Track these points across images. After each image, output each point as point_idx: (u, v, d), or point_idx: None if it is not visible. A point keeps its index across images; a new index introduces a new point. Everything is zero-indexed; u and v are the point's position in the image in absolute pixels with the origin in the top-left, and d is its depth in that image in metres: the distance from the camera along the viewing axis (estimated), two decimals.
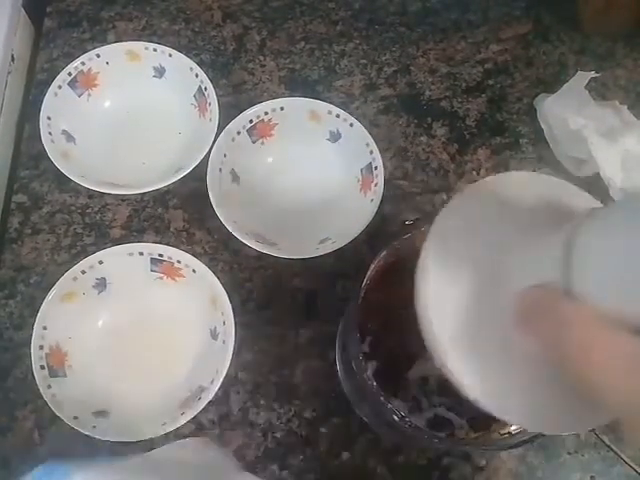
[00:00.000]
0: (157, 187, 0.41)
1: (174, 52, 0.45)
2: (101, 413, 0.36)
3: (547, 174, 0.26)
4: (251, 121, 0.43)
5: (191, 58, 0.45)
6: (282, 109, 0.44)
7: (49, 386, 0.35)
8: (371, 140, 0.42)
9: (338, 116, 0.43)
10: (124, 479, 0.24)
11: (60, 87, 0.44)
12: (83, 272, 0.38)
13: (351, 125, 0.43)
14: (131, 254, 0.39)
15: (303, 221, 0.44)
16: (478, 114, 0.49)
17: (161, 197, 0.45)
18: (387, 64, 0.51)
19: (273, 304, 0.42)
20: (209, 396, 0.35)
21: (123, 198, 0.45)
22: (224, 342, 0.36)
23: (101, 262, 0.38)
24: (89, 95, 0.45)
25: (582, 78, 0.45)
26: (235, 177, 0.44)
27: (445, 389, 0.32)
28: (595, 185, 0.44)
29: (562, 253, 0.20)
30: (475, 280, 0.23)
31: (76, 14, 0.51)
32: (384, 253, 0.31)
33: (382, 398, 0.29)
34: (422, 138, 0.48)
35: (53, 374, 0.36)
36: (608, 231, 0.20)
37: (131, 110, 0.46)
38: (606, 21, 0.51)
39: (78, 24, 0.51)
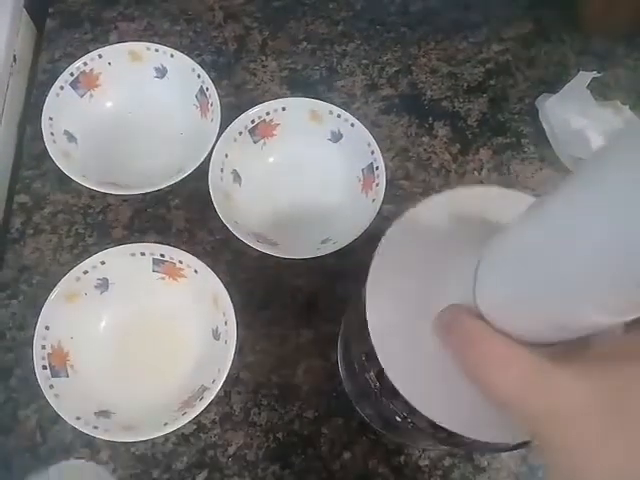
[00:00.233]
0: (159, 187, 0.41)
1: (176, 52, 0.45)
2: (103, 413, 0.36)
3: (499, 187, 0.28)
4: (253, 121, 0.43)
5: (193, 58, 0.45)
6: (284, 109, 0.44)
7: (51, 386, 0.35)
8: (372, 140, 0.42)
9: (339, 116, 0.43)
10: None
11: (62, 87, 0.44)
12: (85, 272, 0.38)
13: (352, 125, 0.43)
14: (133, 254, 0.39)
15: (304, 221, 0.44)
16: (480, 114, 0.49)
17: (163, 197, 0.45)
18: (388, 64, 0.51)
19: (274, 304, 0.42)
20: (211, 396, 0.35)
21: (125, 198, 0.45)
22: (226, 342, 0.37)
23: (103, 262, 0.38)
24: (91, 95, 0.45)
25: (584, 78, 0.45)
26: (237, 177, 0.44)
27: None
28: None
29: (475, 271, 0.21)
30: (416, 298, 0.25)
31: (78, 15, 0.52)
32: None
33: (384, 398, 0.29)
34: (424, 138, 0.48)
35: (55, 374, 0.36)
36: (495, 256, 0.21)
37: (133, 110, 0.47)
38: (608, 21, 0.51)
39: (80, 25, 0.51)
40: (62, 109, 0.44)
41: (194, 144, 0.44)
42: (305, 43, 0.51)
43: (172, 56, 0.45)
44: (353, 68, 0.51)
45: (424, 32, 0.52)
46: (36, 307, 0.37)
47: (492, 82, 0.51)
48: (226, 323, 0.37)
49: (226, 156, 0.43)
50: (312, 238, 0.42)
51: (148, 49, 0.45)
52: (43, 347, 0.36)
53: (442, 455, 0.38)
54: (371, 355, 0.26)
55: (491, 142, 0.48)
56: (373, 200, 0.41)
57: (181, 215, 0.45)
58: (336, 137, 0.44)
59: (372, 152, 0.42)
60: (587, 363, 0.19)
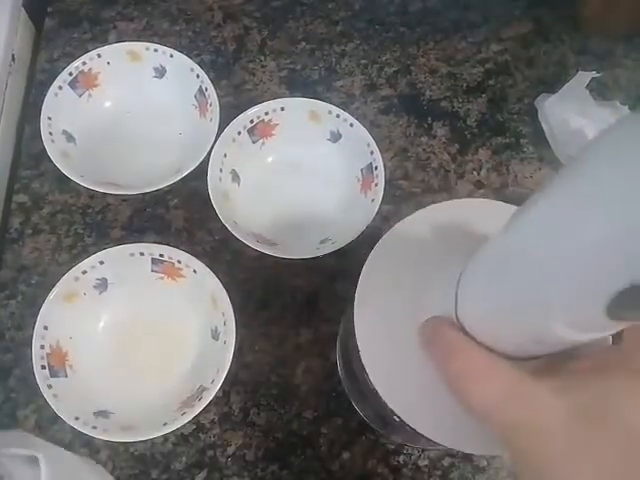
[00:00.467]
0: (158, 187, 0.41)
1: (175, 52, 0.45)
2: (102, 413, 0.36)
3: (487, 198, 0.29)
4: (252, 121, 0.43)
5: (192, 58, 0.45)
6: (282, 109, 0.44)
7: (50, 386, 0.35)
8: (371, 140, 0.42)
9: (338, 116, 0.43)
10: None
11: (61, 87, 0.44)
12: (84, 272, 0.38)
13: (351, 125, 0.43)
14: (132, 254, 0.39)
15: (303, 221, 0.44)
16: (479, 114, 0.49)
17: (162, 197, 0.45)
18: (387, 64, 0.51)
19: (274, 304, 0.42)
20: (210, 396, 0.35)
21: (124, 198, 0.45)
22: (225, 342, 0.36)
23: (102, 262, 0.38)
24: (90, 95, 0.45)
25: (583, 78, 0.45)
26: (235, 177, 0.44)
27: None
28: None
29: (457, 284, 0.22)
30: (402, 312, 0.25)
31: (77, 14, 0.52)
32: None
33: (382, 399, 0.29)
34: (423, 138, 0.48)
35: (54, 374, 0.36)
36: (474, 269, 0.21)
37: (132, 110, 0.47)
38: (607, 21, 0.51)
39: (79, 24, 0.51)
40: (61, 109, 0.44)
41: (193, 144, 0.44)
42: (304, 43, 0.51)
43: (171, 56, 0.45)
44: (352, 68, 0.51)
45: (423, 32, 0.52)
46: (35, 307, 0.37)
47: (491, 82, 0.51)
48: (225, 323, 0.37)
49: (225, 156, 0.43)
50: (311, 238, 0.42)
51: (147, 49, 0.45)
52: (42, 347, 0.36)
53: (441, 455, 0.38)
54: None
55: (490, 142, 0.48)
56: (372, 200, 0.41)
57: (180, 215, 0.45)
58: (335, 137, 0.44)
59: (371, 152, 0.42)
60: (567, 377, 0.19)
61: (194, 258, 0.38)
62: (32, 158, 0.46)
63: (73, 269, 0.38)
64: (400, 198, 0.46)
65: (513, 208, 0.19)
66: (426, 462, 0.38)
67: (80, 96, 0.45)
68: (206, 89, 0.44)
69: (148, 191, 0.41)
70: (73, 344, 0.38)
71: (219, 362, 0.36)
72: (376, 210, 0.40)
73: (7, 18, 0.48)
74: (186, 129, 0.46)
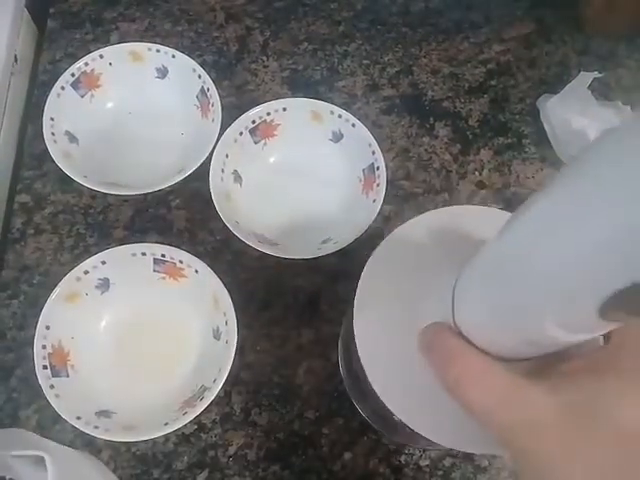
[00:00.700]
0: (160, 188, 0.41)
1: (177, 53, 0.45)
2: (103, 413, 0.36)
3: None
4: (253, 122, 0.43)
5: (194, 59, 0.45)
6: (284, 110, 0.44)
7: (52, 386, 0.35)
8: (373, 140, 0.42)
9: (340, 116, 0.43)
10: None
11: (63, 88, 0.44)
12: (86, 272, 0.38)
13: (353, 125, 0.43)
14: (134, 254, 0.39)
15: (305, 221, 0.44)
16: (481, 114, 0.49)
17: (164, 197, 0.45)
18: (389, 64, 0.51)
19: (275, 304, 0.42)
20: (211, 396, 0.35)
21: (126, 198, 0.45)
22: (227, 342, 0.37)
23: (104, 262, 0.38)
24: (92, 96, 0.46)
25: (585, 78, 0.45)
26: (237, 177, 0.44)
27: None
28: None
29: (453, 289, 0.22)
30: (401, 318, 0.26)
31: (79, 15, 0.52)
32: None
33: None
34: (424, 138, 0.48)
35: (55, 374, 0.36)
36: (470, 274, 0.22)
37: (134, 111, 0.47)
38: (608, 22, 0.51)
39: (81, 25, 0.51)
40: (63, 109, 0.44)
41: (195, 144, 0.44)
42: (306, 43, 0.51)
43: (173, 56, 0.45)
44: (354, 68, 0.51)
45: (425, 32, 0.52)
46: (37, 307, 0.37)
47: (493, 82, 0.51)
48: (227, 323, 0.37)
49: (227, 156, 0.43)
50: (313, 238, 0.42)
51: (149, 49, 0.45)
52: (44, 347, 0.36)
53: (443, 455, 0.38)
54: None
55: (492, 142, 0.48)
56: (374, 200, 0.41)
57: (182, 215, 0.45)
58: (337, 137, 0.44)
59: (373, 152, 0.42)
60: (560, 378, 0.20)
61: (196, 258, 0.39)
62: (34, 158, 0.46)
63: (75, 269, 0.38)
64: (402, 198, 0.46)
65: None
66: (427, 462, 0.38)
67: (82, 97, 0.45)
68: (208, 89, 0.44)
69: (150, 191, 0.41)
70: (75, 344, 0.38)
71: (221, 362, 0.36)
72: (378, 210, 0.40)
73: (10, 19, 0.48)
74: (188, 129, 0.46)
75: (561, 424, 0.18)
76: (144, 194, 0.43)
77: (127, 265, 0.39)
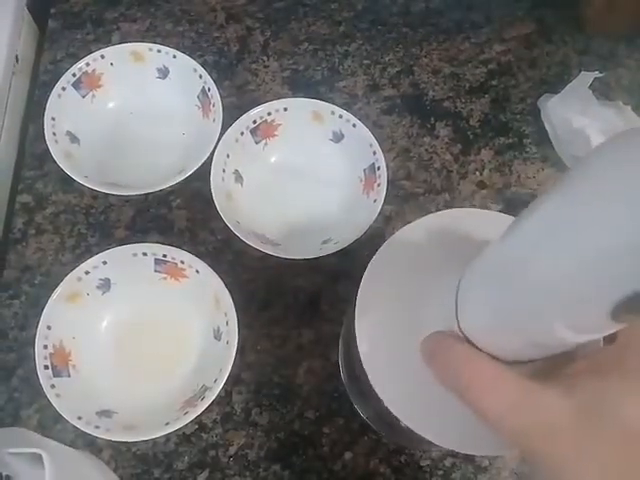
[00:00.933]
0: (161, 188, 0.41)
1: (178, 53, 0.45)
2: (104, 413, 0.36)
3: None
4: (254, 122, 0.44)
5: (195, 59, 0.45)
6: (285, 110, 0.44)
7: (53, 386, 0.35)
8: (374, 141, 0.42)
9: (341, 117, 0.43)
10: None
11: (64, 88, 0.44)
12: (87, 272, 0.38)
13: (354, 126, 0.43)
14: (135, 255, 0.39)
15: (306, 221, 0.44)
16: (481, 114, 0.49)
17: (165, 198, 0.45)
18: (390, 65, 0.51)
19: (276, 304, 0.42)
20: (212, 396, 0.35)
21: (127, 199, 0.45)
22: (227, 342, 0.37)
23: (105, 262, 0.38)
24: (93, 96, 0.46)
25: (585, 78, 0.45)
26: (238, 177, 0.44)
27: None
28: None
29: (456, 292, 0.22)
30: (402, 322, 0.26)
31: (80, 15, 0.52)
32: None
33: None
34: (425, 138, 0.48)
35: (57, 374, 0.36)
36: (473, 276, 0.22)
37: (135, 111, 0.47)
38: (609, 22, 0.51)
39: (82, 25, 0.51)
40: (64, 109, 0.44)
41: (196, 144, 0.44)
42: (307, 44, 0.51)
43: (174, 57, 0.45)
44: (355, 68, 0.51)
45: (426, 32, 0.52)
46: (38, 307, 0.37)
47: (494, 82, 0.51)
48: (227, 323, 0.37)
49: (228, 156, 0.43)
50: (313, 238, 0.42)
51: (150, 50, 0.45)
52: (45, 347, 0.36)
53: (443, 455, 0.38)
54: None
55: (493, 142, 0.48)
56: (374, 200, 0.41)
57: (183, 215, 0.45)
58: (338, 137, 0.44)
59: (374, 152, 0.42)
60: (568, 380, 0.20)
61: (197, 258, 0.39)
62: (36, 158, 0.46)
63: (76, 269, 0.38)
64: (402, 198, 0.46)
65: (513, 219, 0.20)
66: (428, 462, 0.38)
67: (84, 97, 0.45)
68: (209, 89, 0.44)
69: (151, 191, 0.41)
70: (76, 344, 0.38)
71: (221, 362, 0.36)
72: (378, 210, 0.40)
73: (11, 19, 0.48)
74: (189, 130, 0.46)
75: (574, 426, 0.19)
76: (145, 194, 0.43)
77: (128, 265, 0.39)
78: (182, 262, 0.39)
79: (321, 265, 0.41)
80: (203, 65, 0.45)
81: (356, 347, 0.27)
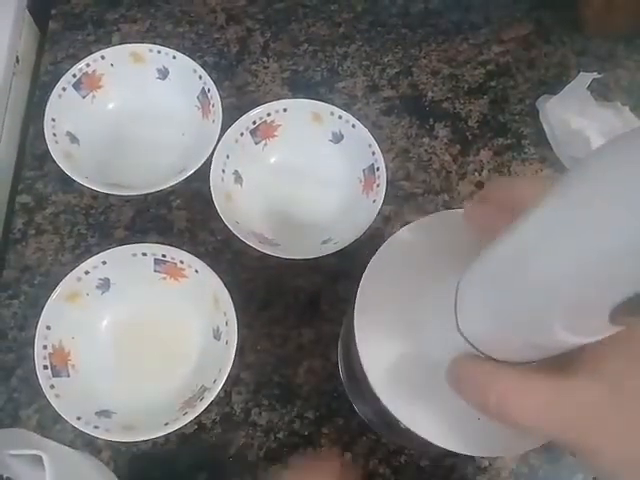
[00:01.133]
0: (161, 188, 0.41)
1: (178, 54, 0.45)
2: (104, 413, 0.36)
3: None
4: (254, 122, 0.44)
5: (195, 60, 0.45)
6: (285, 110, 0.44)
7: (52, 386, 0.35)
8: (373, 141, 0.43)
9: (340, 117, 0.44)
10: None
11: (64, 89, 0.44)
12: (87, 272, 0.38)
13: (353, 126, 0.43)
14: (135, 255, 0.39)
15: (305, 222, 0.44)
16: (480, 115, 0.49)
17: (164, 198, 0.45)
18: (389, 66, 0.51)
19: (275, 304, 0.42)
20: (211, 396, 0.35)
21: (127, 199, 0.45)
22: (227, 342, 0.37)
23: (105, 262, 0.39)
24: (93, 97, 0.46)
25: (584, 79, 0.45)
26: (238, 178, 0.44)
27: None
28: None
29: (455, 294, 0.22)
30: (401, 324, 0.26)
31: (81, 16, 0.52)
32: None
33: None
34: (424, 139, 0.48)
35: (56, 374, 0.36)
36: (472, 278, 0.22)
37: (135, 112, 0.47)
38: (607, 22, 0.51)
39: (83, 26, 0.51)
40: (64, 110, 0.44)
41: (196, 145, 0.44)
42: (306, 45, 0.52)
43: (174, 57, 0.45)
44: (354, 69, 0.51)
45: (425, 33, 0.53)
46: (37, 307, 0.37)
47: (493, 83, 0.51)
48: (227, 323, 0.37)
49: (227, 157, 0.43)
50: (313, 238, 0.42)
51: (150, 50, 0.46)
52: (44, 347, 0.36)
53: (443, 455, 0.38)
54: None
55: (491, 143, 0.48)
56: (374, 201, 0.41)
57: (182, 216, 0.45)
58: (337, 138, 0.45)
59: (373, 153, 0.43)
60: (587, 366, 0.21)
61: (196, 258, 0.39)
62: (36, 159, 0.46)
63: (76, 269, 0.38)
64: (402, 199, 0.46)
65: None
66: (427, 462, 0.38)
67: (84, 97, 0.45)
68: (209, 90, 0.44)
69: (151, 192, 0.41)
70: (75, 344, 0.38)
71: (221, 362, 0.36)
72: (378, 211, 0.40)
73: (11, 20, 0.49)
74: (189, 130, 0.46)
75: (611, 405, 0.19)
76: (145, 194, 0.43)
77: (128, 265, 0.39)
78: (181, 262, 0.39)
79: (321, 265, 0.41)
80: (203, 66, 0.45)
81: (355, 347, 0.27)
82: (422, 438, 0.25)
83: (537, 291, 0.18)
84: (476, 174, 0.47)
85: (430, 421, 0.25)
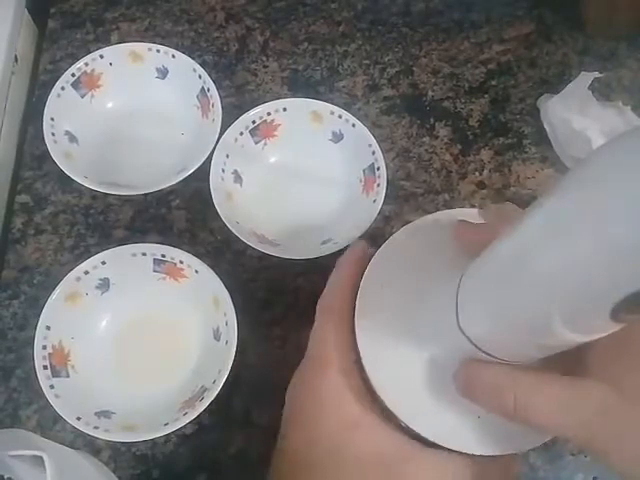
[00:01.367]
0: (160, 188, 0.41)
1: (177, 53, 0.45)
2: (103, 413, 0.36)
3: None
4: (254, 122, 0.43)
5: (194, 59, 0.45)
6: (285, 110, 0.44)
7: (52, 386, 0.35)
8: (373, 141, 0.42)
9: (340, 117, 0.43)
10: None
11: (63, 88, 0.44)
12: (86, 272, 0.38)
13: (353, 126, 0.43)
14: (134, 255, 0.39)
15: (305, 222, 0.44)
16: (481, 115, 0.49)
17: (164, 198, 0.45)
18: (390, 65, 0.51)
19: (276, 304, 0.42)
20: (211, 396, 0.35)
21: (126, 199, 0.45)
22: (227, 343, 0.37)
23: (104, 263, 0.38)
24: (92, 96, 0.46)
25: (585, 79, 0.45)
26: (238, 178, 0.44)
27: None
28: None
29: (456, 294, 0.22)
30: (401, 324, 0.26)
31: (80, 15, 0.52)
32: None
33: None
34: (425, 139, 0.48)
35: (56, 374, 0.36)
36: (472, 278, 0.22)
37: (134, 111, 0.47)
38: (609, 22, 0.51)
39: (81, 25, 0.51)
40: (63, 109, 0.44)
41: (195, 144, 0.44)
42: (306, 44, 0.51)
43: (173, 57, 0.45)
44: (354, 68, 0.51)
45: (425, 32, 0.52)
46: (37, 307, 0.37)
47: (493, 82, 0.51)
48: (227, 323, 0.37)
49: (227, 156, 0.43)
50: (313, 238, 0.42)
51: (149, 50, 0.45)
52: (44, 347, 0.36)
53: None
54: None
55: (492, 143, 0.48)
56: (374, 200, 0.41)
57: (182, 215, 0.45)
58: (337, 138, 0.44)
59: (373, 152, 0.42)
60: (591, 369, 0.21)
61: (196, 258, 0.39)
62: (35, 159, 0.46)
63: (75, 269, 0.38)
64: (402, 198, 0.46)
65: None
66: None
67: (83, 97, 0.45)
68: (208, 90, 0.44)
69: (150, 191, 0.41)
70: (75, 344, 0.38)
71: (221, 362, 0.36)
72: (378, 210, 0.40)
73: (10, 19, 0.48)
74: (188, 130, 0.46)
75: (620, 402, 0.20)
76: (144, 194, 0.43)
77: (127, 265, 0.39)
78: (181, 262, 0.39)
79: (321, 265, 0.41)
80: (202, 65, 0.45)
81: (356, 347, 0.27)
82: (422, 437, 0.25)
83: (538, 289, 0.18)
84: (477, 174, 0.47)
85: (431, 419, 0.25)
